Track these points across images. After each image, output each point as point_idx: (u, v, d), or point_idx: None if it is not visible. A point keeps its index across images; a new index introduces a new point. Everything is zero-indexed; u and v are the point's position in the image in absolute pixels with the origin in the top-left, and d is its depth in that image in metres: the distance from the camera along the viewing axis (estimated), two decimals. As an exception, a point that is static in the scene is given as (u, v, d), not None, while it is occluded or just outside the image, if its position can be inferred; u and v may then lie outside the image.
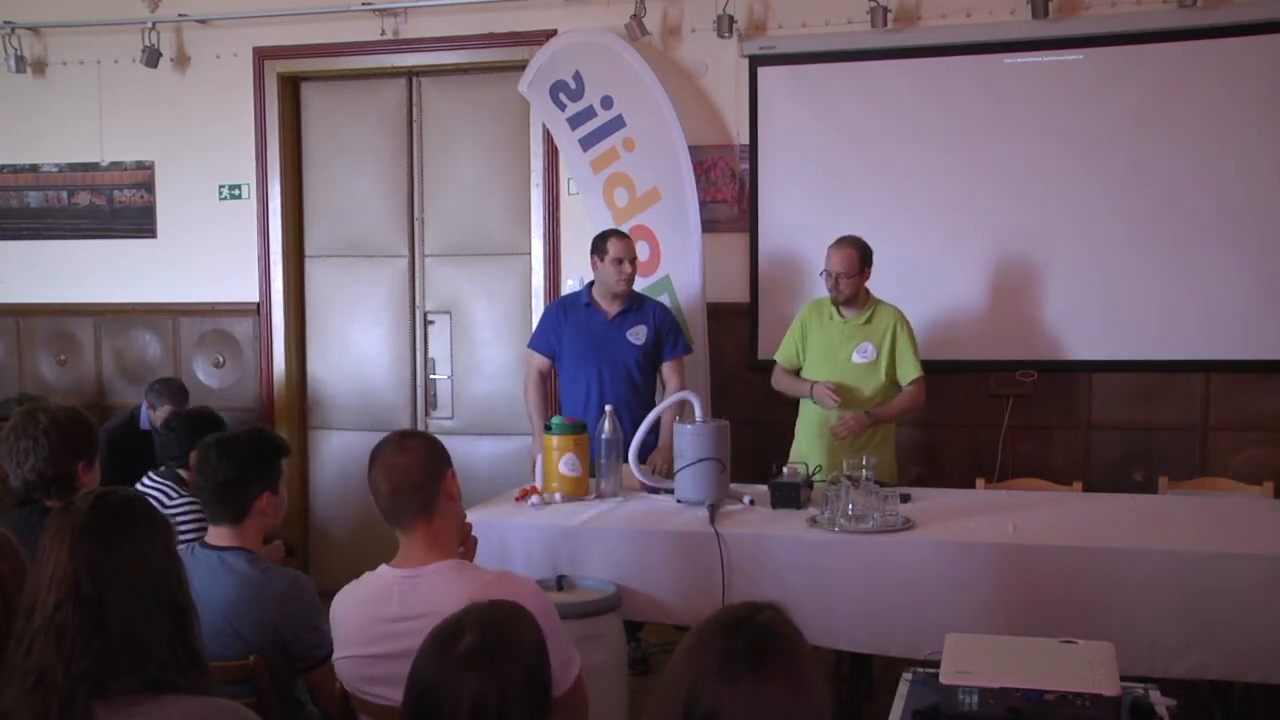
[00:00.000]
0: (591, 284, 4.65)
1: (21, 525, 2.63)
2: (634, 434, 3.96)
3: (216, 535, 2.65)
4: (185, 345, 5.98)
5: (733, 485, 3.79)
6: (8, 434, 2.89)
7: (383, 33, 5.60)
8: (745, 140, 5.20)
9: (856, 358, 4.33)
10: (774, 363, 4.59)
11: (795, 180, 5.17)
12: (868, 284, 4.39)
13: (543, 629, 2.14)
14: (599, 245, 4.55)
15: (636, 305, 4.61)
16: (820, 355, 4.41)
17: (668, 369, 4.61)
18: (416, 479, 2.34)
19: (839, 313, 4.40)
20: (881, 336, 4.33)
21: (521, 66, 5.30)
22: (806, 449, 4.38)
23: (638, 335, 4.56)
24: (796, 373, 4.49)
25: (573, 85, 5.14)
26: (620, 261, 4.49)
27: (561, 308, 4.70)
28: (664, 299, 4.92)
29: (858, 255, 4.31)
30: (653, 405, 4.37)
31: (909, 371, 4.32)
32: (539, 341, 4.70)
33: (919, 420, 4.97)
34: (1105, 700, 2.15)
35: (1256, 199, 4.75)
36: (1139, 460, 4.93)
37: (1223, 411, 4.87)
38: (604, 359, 4.53)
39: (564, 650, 2.25)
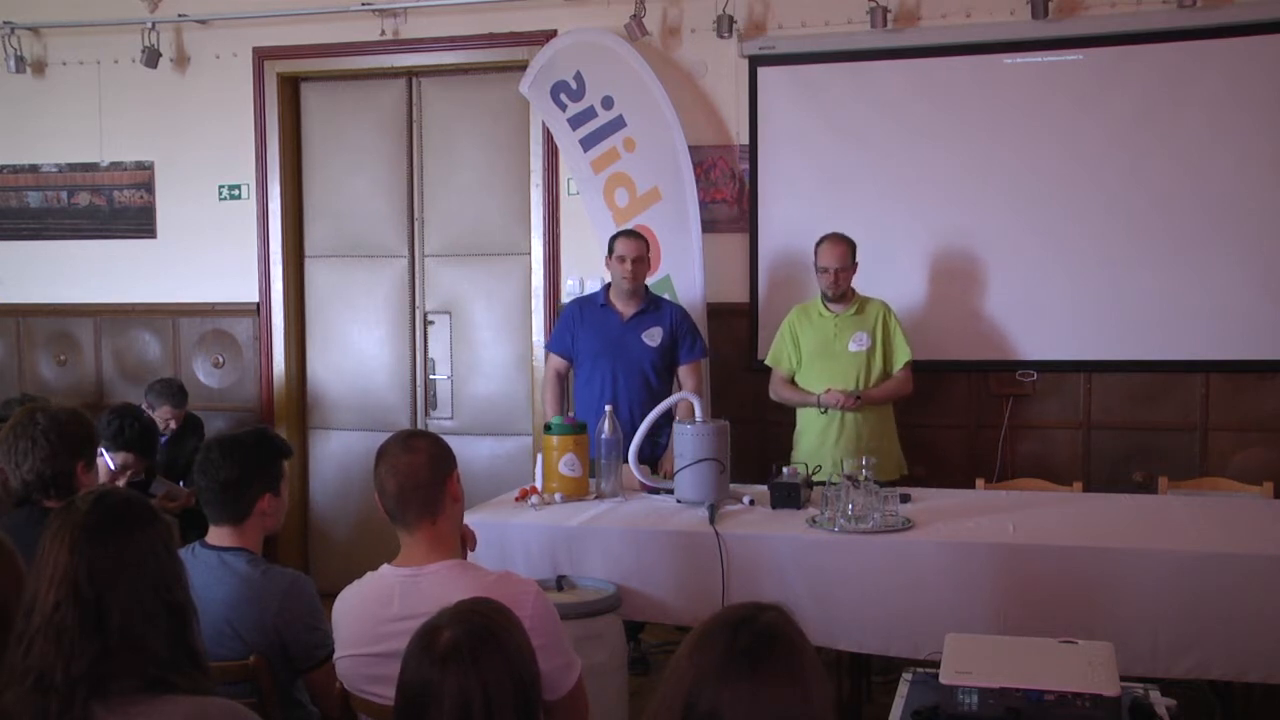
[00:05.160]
0: (609, 285, 4.67)
1: (21, 526, 2.63)
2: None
3: (217, 535, 2.65)
4: (185, 345, 5.98)
5: (733, 485, 3.78)
6: (7, 434, 2.89)
7: (382, 33, 5.60)
8: (745, 140, 5.20)
9: (853, 346, 4.48)
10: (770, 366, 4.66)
11: (795, 180, 5.16)
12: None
13: (542, 632, 2.15)
14: (610, 245, 4.59)
15: (653, 307, 4.62)
16: (816, 350, 4.52)
17: (684, 372, 4.60)
18: (423, 478, 2.34)
19: (828, 309, 4.54)
20: (873, 326, 4.50)
21: (521, 67, 5.31)
22: (809, 453, 4.40)
23: (653, 337, 4.56)
24: (792, 379, 4.57)
25: (573, 85, 5.14)
26: (623, 260, 4.51)
27: (579, 308, 4.71)
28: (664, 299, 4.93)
29: (849, 250, 4.49)
30: None
31: (901, 356, 4.48)
32: (556, 343, 4.72)
33: (920, 420, 4.97)
34: (1105, 700, 2.15)
35: (1256, 199, 4.75)
36: (1139, 460, 4.93)
37: (1223, 411, 4.87)
38: (619, 360, 4.53)
39: (565, 653, 2.24)
